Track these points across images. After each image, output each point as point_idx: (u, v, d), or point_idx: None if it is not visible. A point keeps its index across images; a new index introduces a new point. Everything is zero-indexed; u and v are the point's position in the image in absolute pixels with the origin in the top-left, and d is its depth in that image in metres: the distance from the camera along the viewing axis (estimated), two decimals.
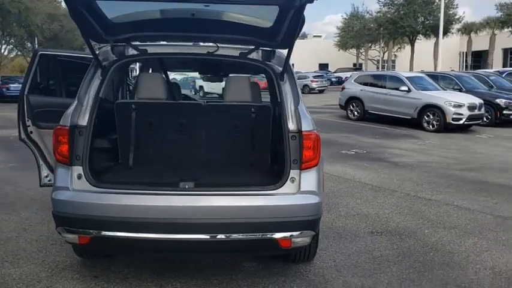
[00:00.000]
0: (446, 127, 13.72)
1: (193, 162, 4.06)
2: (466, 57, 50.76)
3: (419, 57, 45.15)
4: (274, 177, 3.49)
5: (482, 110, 14.28)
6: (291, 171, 3.32)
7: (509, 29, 39.07)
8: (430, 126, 13.91)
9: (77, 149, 3.32)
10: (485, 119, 14.81)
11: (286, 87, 3.60)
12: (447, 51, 38.41)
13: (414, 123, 14.35)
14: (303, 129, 3.35)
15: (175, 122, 4.00)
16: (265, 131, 3.96)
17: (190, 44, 3.86)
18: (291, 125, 3.43)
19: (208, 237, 3.23)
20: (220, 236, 3.23)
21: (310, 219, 3.29)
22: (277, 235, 3.23)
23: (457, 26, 43.56)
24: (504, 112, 15.10)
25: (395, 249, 4.62)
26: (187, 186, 3.33)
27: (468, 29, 47.57)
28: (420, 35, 44.69)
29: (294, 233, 3.27)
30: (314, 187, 3.35)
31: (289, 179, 3.31)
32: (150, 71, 5.35)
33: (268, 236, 3.23)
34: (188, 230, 3.20)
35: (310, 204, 3.28)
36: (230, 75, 4.06)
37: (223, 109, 4.05)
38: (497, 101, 15.18)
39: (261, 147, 4.05)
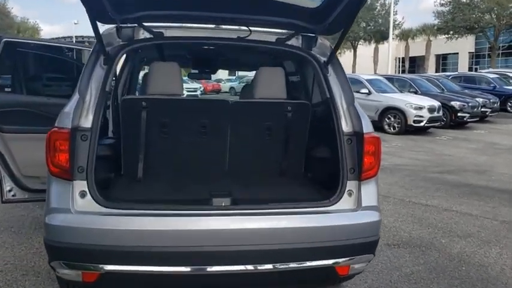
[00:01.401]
0: (407, 129, 13.75)
1: (220, 172, 3.42)
2: (403, 62, 52.71)
3: (359, 61, 46.24)
4: (318, 188, 3.01)
5: (441, 112, 14.46)
6: (348, 182, 2.78)
7: (444, 36, 40.82)
8: (391, 129, 13.92)
9: (80, 159, 2.58)
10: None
11: (335, 81, 3.02)
12: (385, 56, 39.47)
13: (375, 126, 14.22)
14: (364, 131, 2.77)
15: (196, 124, 3.32)
16: (301, 134, 3.40)
17: (212, 27, 3.18)
18: (345, 126, 2.89)
19: (251, 268, 2.61)
20: (267, 267, 2.62)
21: (372, 241, 2.74)
22: (336, 261, 2.67)
23: (396, 32, 44.96)
24: (459, 114, 15.38)
25: (423, 265, 4.22)
26: (224, 204, 2.65)
27: (406, 35, 49.35)
28: (362, 40, 45.80)
29: (355, 258, 2.72)
30: (375, 201, 2.82)
31: (346, 193, 2.76)
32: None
33: (325, 263, 2.66)
34: (227, 260, 2.57)
35: (372, 222, 2.75)
36: (262, 67, 3.39)
37: (254, 108, 3.40)
38: (452, 103, 15.45)
39: (295, 153, 3.48)
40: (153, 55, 4.33)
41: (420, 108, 13.80)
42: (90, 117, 2.67)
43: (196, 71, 5.57)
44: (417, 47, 49.64)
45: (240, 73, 37.07)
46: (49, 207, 2.58)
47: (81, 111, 2.67)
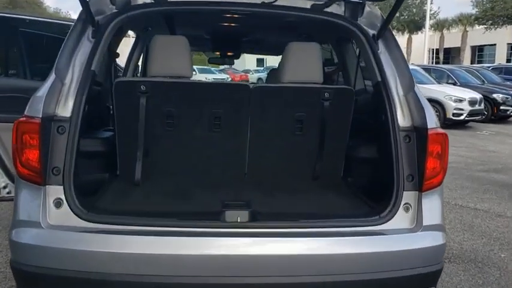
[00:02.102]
0: (445, 123, 12.86)
1: (237, 177, 2.85)
2: (437, 53, 50.98)
3: None
4: (363, 200, 2.45)
5: (482, 105, 13.53)
6: (404, 193, 2.16)
7: (482, 26, 39.13)
8: None
9: (55, 157, 2.03)
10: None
11: (387, 60, 2.36)
12: (418, 47, 38.00)
13: None
14: (427, 126, 2.11)
15: (208, 114, 2.73)
16: (342, 128, 2.79)
17: None
18: (402, 119, 2.27)
19: None
20: None
21: (435, 271, 2.09)
22: None
23: (430, 22, 43.37)
24: (501, 107, 14.40)
25: (483, 286, 3.56)
26: (240, 219, 2.05)
27: (441, 26, 47.64)
28: (395, 30, 44.42)
29: None
30: (439, 218, 2.19)
31: (401, 207, 2.15)
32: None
33: None
34: None
35: (435, 247, 2.12)
36: (292, 42, 2.73)
37: (282, 94, 2.77)
38: (494, 95, 14.48)
39: (333, 152, 2.87)
40: (163, 31, 3.70)
41: (460, 100, 12.93)
42: (70, 104, 2.10)
43: (218, 55, 4.96)
44: (452, 38, 47.92)
45: (269, 63, 36.40)
46: (16, 219, 2.03)
47: (59, 96, 2.09)
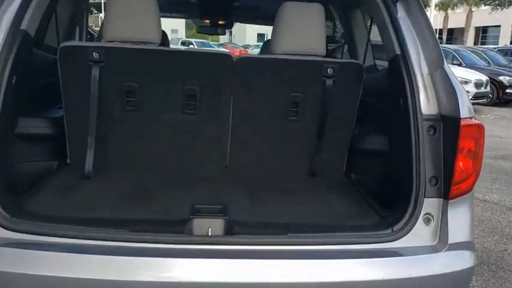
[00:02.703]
0: None
1: (214, 172, 2.40)
2: (440, 34, 50.12)
3: None
4: (368, 204, 2.05)
5: (488, 88, 13.00)
6: (426, 201, 1.73)
7: (488, 6, 38.26)
8: None
9: None
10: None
11: (408, 28, 1.87)
12: None
13: None
14: (460, 115, 1.64)
15: (180, 92, 2.26)
16: (347, 113, 2.34)
17: None
18: (426, 105, 1.83)
19: None
20: None
21: None
22: None
23: (435, 0, 42.37)
24: (507, 91, 13.86)
25: None
26: (211, 232, 1.67)
27: (446, 5, 46.60)
28: None
29: None
30: (468, 234, 1.74)
31: (421, 218, 1.72)
32: None
33: None
34: None
35: (464, 272, 1.69)
36: (287, 1, 2.20)
37: (274, 68, 2.28)
38: (501, 78, 13.94)
39: (334, 142, 2.41)
40: None
41: (466, 82, 12.38)
42: None
43: (207, 24, 4.45)
44: (456, 18, 46.98)
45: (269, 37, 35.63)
46: None
47: None
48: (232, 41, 39.13)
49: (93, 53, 2.11)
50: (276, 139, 2.43)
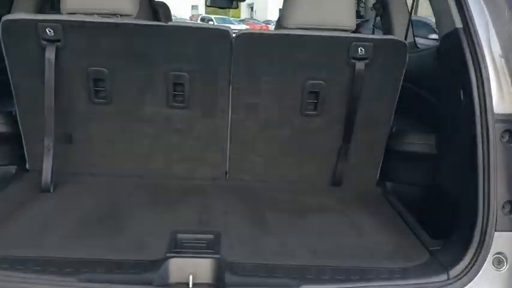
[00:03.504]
0: None
1: (206, 182, 1.95)
2: None
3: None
4: (409, 226, 1.66)
5: None
6: (497, 235, 1.28)
7: None
8: None
9: None
10: None
11: None
12: None
13: None
14: None
15: (164, 78, 1.78)
16: (383, 106, 1.84)
17: None
18: (500, 100, 1.33)
19: None
20: None
21: None
22: None
23: None
24: None
25: None
26: (193, 283, 1.23)
27: None
28: None
29: None
30: None
31: (490, 258, 1.26)
32: None
33: None
34: None
35: None
36: None
37: (285, 48, 1.75)
38: None
39: (365, 144, 1.92)
40: None
41: None
42: None
43: None
44: None
45: None
46: None
47: None
48: (254, 17, 38.15)
49: (47, 29, 1.61)
50: (289, 139, 1.91)
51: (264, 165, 1.97)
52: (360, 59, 1.72)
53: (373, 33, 3.09)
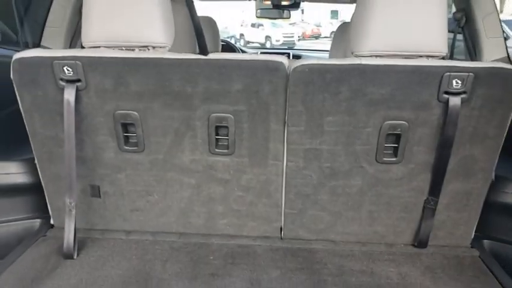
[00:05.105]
0: None
1: (261, 241, 1.68)
2: None
3: None
4: None
5: None
6: None
7: None
8: None
9: None
10: None
11: None
12: None
13: None
14: None
15: (204, 121, 1.49)
16: (484, 149, 1.47)
17: None
18: None
19: None
20: None
21: None
22: None
23: None
24: None
25: None
26: None
27: None
28: None
29: None
30: None
31: None
32: None
33: None
34: None
35: None
36: None
37: (357, 80, 1.38)
38: None
39: (460, 195, 1.55)
40: None
41: None
42: None
43: (268, 4, 3.64)
44: None
45: (343, 15, 33.92)
46: None
47: None
48: (303, 20, 37.63)
49: (64, 68, 1.33)
50: (361, 191, 1.53)
51: (329, 221, 1.61)
52: (456, 93, 1.33)
53: (453, 43, 2.63)
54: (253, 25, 25.65)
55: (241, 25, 26.30)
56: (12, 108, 1.68)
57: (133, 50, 1.41)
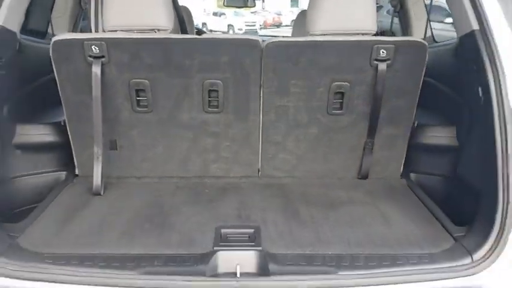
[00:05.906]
0: None
1: (244, 178, 2.14)
2: None
3: None
4: (434, 214, 1.79)
5: None
6: None
7: None
8: None
9: None
10: None
11: None
12: None
13: None
14: None
15: (200, 86, 1.94)
16: (405, 102, 1.99)
17: None
18: None
19: None
20: None
21: None
22: None
23: None
24: None
25: None
26: (240, 273, 1.38)
27: None
28: None
29: None
30: None
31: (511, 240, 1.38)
32: None
33: None
34: None
35: None
36: None
37: (312, 53, 1.90)
38: None
39: (389, 139, 2.07)
40: None
41: None
42: None
43: None
44: None
45: (304, 2, 34.37)
46: None
47: None
48: (265, 8, 38.09)
49: (92, 47, 1.77)
50: (317, 137, 2.04)
51: (294, 162, 2.10)
52: (382, 60, 1.84)
53: (391, 22, 3.19)
54: (215, 14, 25.95)
55: (204, 14, 26.48)
56: (32, 85, 2.10)
57: (143, 32, 1.85)
